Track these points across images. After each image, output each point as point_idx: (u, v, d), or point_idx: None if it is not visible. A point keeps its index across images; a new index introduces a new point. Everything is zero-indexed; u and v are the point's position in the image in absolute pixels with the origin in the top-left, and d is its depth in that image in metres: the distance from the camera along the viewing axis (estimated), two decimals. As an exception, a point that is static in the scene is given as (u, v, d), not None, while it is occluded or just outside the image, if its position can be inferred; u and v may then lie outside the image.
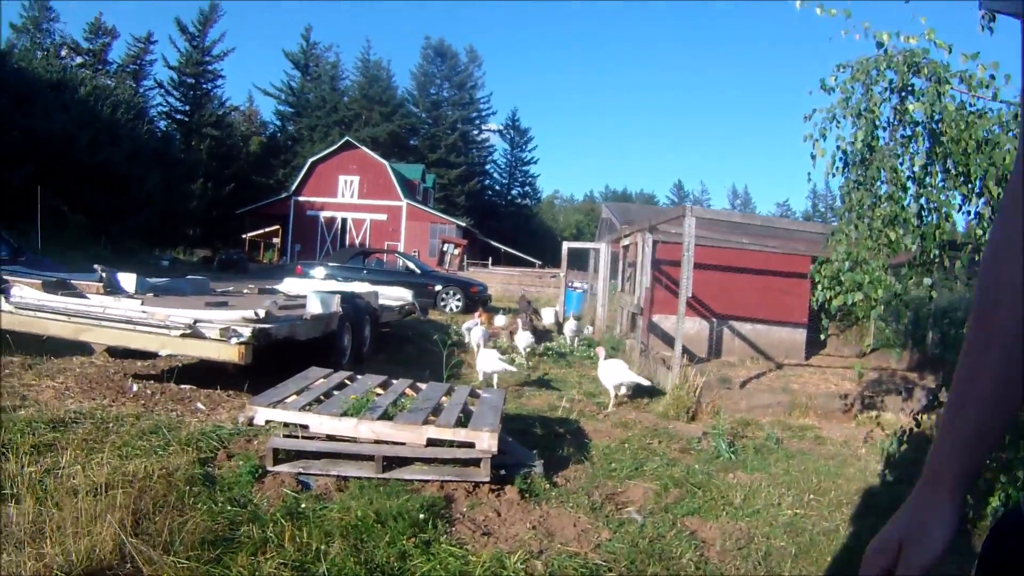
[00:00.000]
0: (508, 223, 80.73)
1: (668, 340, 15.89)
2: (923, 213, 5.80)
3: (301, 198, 58.39)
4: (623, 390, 10.77)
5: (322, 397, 7.00)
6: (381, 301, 14.16)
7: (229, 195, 57.01)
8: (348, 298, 11.59)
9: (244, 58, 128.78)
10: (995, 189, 5.31)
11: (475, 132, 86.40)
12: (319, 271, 22.21)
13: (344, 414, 6.29)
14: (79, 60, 53.72)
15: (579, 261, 27.64)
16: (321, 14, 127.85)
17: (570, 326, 17.62)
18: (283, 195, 59.40)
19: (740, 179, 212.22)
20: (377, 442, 6.11)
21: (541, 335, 17.90)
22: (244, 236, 55.43)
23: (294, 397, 6.88)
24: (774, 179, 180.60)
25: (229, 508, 5.06)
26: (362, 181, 58.35)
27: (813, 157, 6.18)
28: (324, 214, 58.26)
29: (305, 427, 6.25)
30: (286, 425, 6.34)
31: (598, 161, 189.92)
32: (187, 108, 62.98)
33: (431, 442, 6.11)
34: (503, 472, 6.22)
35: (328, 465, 5.97)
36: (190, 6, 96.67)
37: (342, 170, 58.70)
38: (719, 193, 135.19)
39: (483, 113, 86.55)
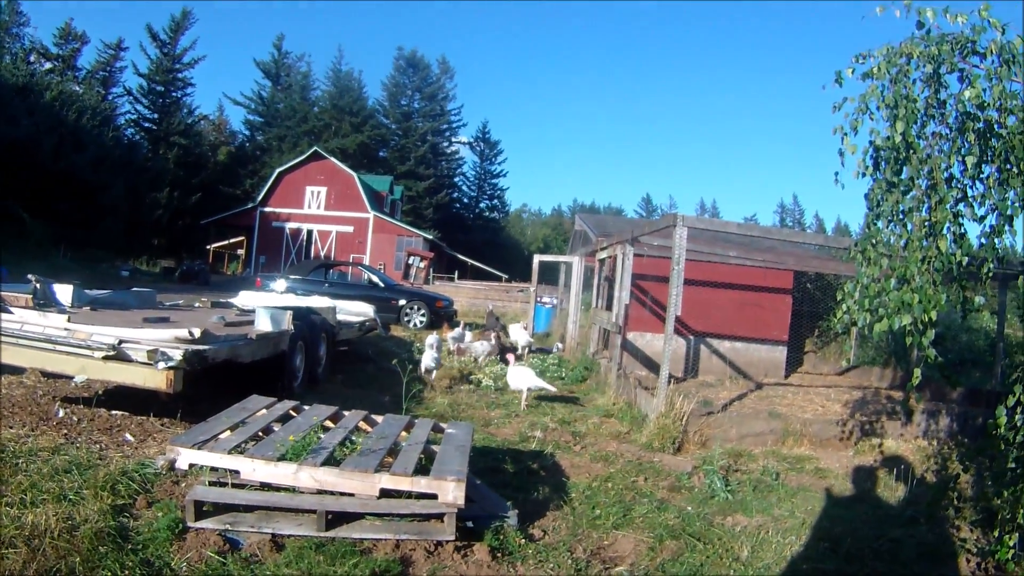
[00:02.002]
0: (476, 236, 79.88)
1: (644, 359, 15.11)
2: (972, 220, 4.98)
3: (267, 209, 57.09)
4: (528, 393, 11.27)
5: (260, 433, 6.06)
6: (340, 317, 13.28)
7: (195, 205, 55.96)
8: (302, 314, 10.63)
9: (215, 66, 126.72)
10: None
11: (445, 144, 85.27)
12: (279, 284, 21.22)
13: (282, 458, 5.34)
14: (48, 65, 52.47)
15: (549, 275, 26.91)
16: (294, 22, 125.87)
17: (522, 339, 17.16)
18: (249, 205, 57.98)
19: (708, 193, 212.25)
20: (320, 492, 5.18)
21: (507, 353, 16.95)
22: (209, 247, 54.23)
23: (227, 433, 5.94)
24: (741, 193, 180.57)
25: (139, 574, 4.22)
26: (329, 192, 57.21)
27: (841, 154, 5.34)
28: (290, 225, 57.02)
29: (236, 472, 5.30)
30: (214, 469, 5.39)
31: (567, 175, 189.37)
32: (156, 116, 61.60)
33: (385, 493, 5.17)
34: (471, 525, 5.32)
35: (261, 520, 5.02)
36: (162, 13, 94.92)
37: (309, 181, 57.51)
38: (687, 207, 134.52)
39: (453, 125, 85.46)
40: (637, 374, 13.40)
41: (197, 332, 7.41)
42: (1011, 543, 4.74)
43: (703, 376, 15.65)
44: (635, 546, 5.72)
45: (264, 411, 6.78)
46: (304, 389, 10.23)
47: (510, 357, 12.57)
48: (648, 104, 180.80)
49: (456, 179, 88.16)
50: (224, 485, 5.28)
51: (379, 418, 7.03)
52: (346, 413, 7.06)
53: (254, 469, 5.25)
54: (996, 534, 4.98)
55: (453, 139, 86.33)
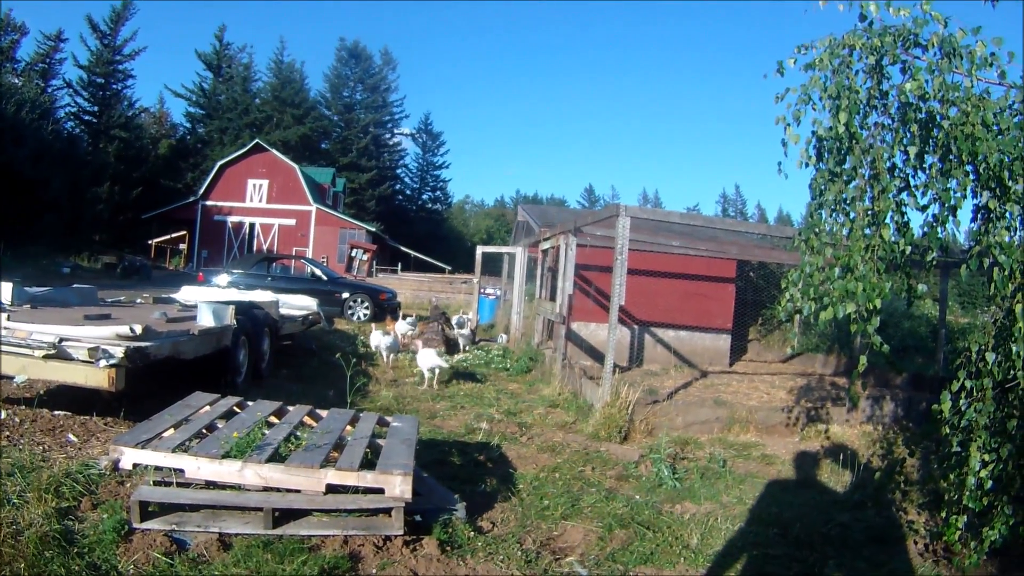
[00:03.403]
0: (419, 228, 79.48)
1: (588, 349, 15.12)
2: (915, 209, 5.01)
3: (209, 202, 56.17)
4: (436, 372, 12.07)
5: (204, 431, 5.89)
6: (284, 311, 13.06)
7: (137, 199, 54.27)
8: (245, 309, 10.44)
9: (156, 58, 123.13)
10: (1009, 182, 4.54)
11: (387, 136, 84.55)
12: (222, 278, 20.92)
13: (226, 455, 5.20)
14: (-15, 58, 50.97)
15: (492, 266, 26.81)
16: (236, 13, 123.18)
17: (463, 332, 17.12)
18: (190, 199, 56.91)
19: (651, 183, 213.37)
20: (267, 489, 5.05)
21: (452, 345, 17.05)
22: (151, 242, 53.02)
23: (171, 431, 5.77)
24: (684, 184, 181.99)
25: None
26: (271, 185, 56.41)
27: (784, 144, 5.34)
28: (232, 219, 56.19)
29: (181, 471, 5.17)
30: (159, 468, 5.25)
31: (509, 166, 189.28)
32: (95, 109, 59.43)
33: (332, 488, 5.06)
34: (419, 519, 5.22)
35: (208, 519, 4.88)
36: (103, 4, 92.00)
37: (251, 174, 56.61)
38: (630, 197, 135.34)
39: (396, 117, 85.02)
40: (582, 364, 13.39)
41: (138, 329, 7.20)
42: (959, 525, 4.79)
43: (648, 365, 15.71)
44: (584, 536, 5.69)
45: (208, 408, 6.60)
46: (248, 384, 10.07)
47: (418, 343, 13.64)
48: (590, 95, 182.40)
49: (399, 171, 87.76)
50: (169, 485, 5.11)
51: (324, 413, 6.88)
52: (290, 408, 6.90)
53: (199, 467, 5.11)
54: (943, 516, 5.03)
55: (395, 131, 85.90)
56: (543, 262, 16.64)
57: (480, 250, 23.42)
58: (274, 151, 57.53)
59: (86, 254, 43.46)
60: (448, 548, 5.01)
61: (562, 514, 6.08)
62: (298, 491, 5.04)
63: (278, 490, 5.06)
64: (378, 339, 14.20)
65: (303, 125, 72.68)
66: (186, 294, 13.04)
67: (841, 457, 8.24)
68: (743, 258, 17.21)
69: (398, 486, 4.97)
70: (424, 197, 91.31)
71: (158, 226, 54.75)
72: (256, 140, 58.76)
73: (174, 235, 54.16)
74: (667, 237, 15.16)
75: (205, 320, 9.21)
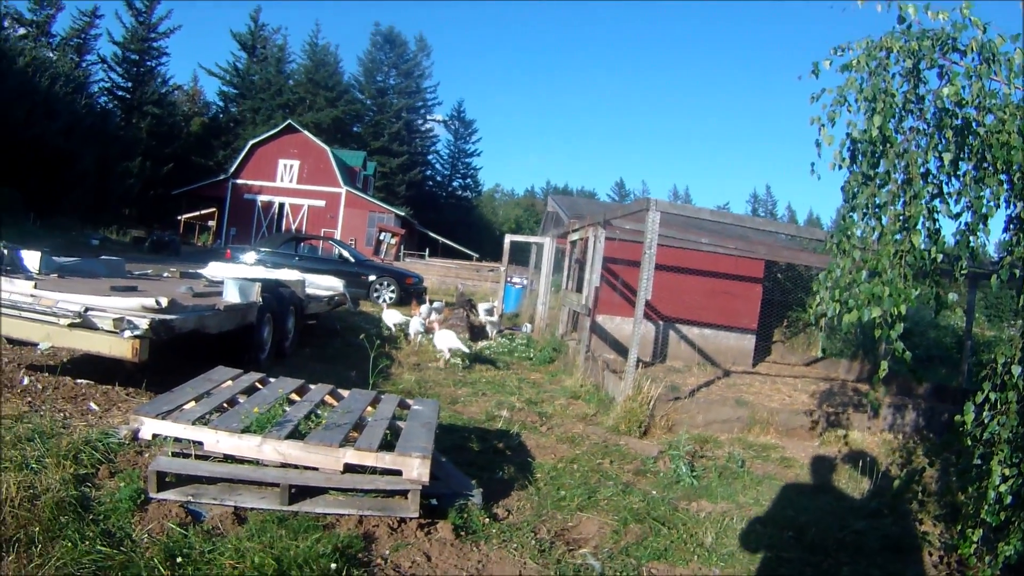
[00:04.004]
0: (448, 215, 79.48)
1: (612, 342, 15.12)
2: (947, 216, 4.96)
3: (239, 181, 56.49)
4: (452, 353, 12.54)
5: (225, 405, 5.93)
6: (309, 290, 13.13)
7: (167, 175, 54.69)
8: (270, 287, 10.51)
9: (190, 36, 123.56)
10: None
11: (420, 122, 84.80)
12: (249, 256, 21.04)
13: (246, 430, 5.23)
14: (21, 31, 51.05)
15: (520, 256, 26.78)
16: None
17: (491, 320, 17.34)
18: (221, 177, 57.24)
19: (681, 180, 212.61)
20: (284, 466, 5.09)
21: (477, 332, 17.13)
22: (180, 218, 53.42)
23: (192, 404, 5.81)
24: (714, 182, 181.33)
25: (100, 546, 4.12)
26: (302, 166, 56.68)
27: (819, 144, 5.28)
28: (261, 198, 56.48)
29: (200, 444, 5.22)
30: (178, 440, 5.29)
31: (540, 157, 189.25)
32: (129, 85, 60.11)
33: (349, 468, 5.08)
34: (435, 503, 5.25)
35: (224, 492, 4.93)
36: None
37: (282, 154, 56.87)
38: (660, 193, 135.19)
39: (428, 103, 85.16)
40: (605, 357, 13.38)
41: (164, 301, 7.28)
42: (975, 538, 4.75)
43: (671, 361, 15.67)
44: (599, 528, 5.69)
45: (230, 383, 6.64)
46: (271, 362, 10.13)
47: (435, 324, 14.06)
48: (624, 90, 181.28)
49: (430, 157, 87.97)
50: (187, 456, 5.16)
51: (345, 393, 6.91)
52: (312, 387, 6.94)
53: (218, 441, 5.14)
54: (959, 529, 5.00)
55: (428, 117, 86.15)
56: (571, 253, 16.65)
57: (508, 239, 23.37)
58: (306, 132, 57.71)
59: (115, 227, 43.79)
60: (463, 533, 5.03)
61: (578, 505, 6.08)
62: (316, 469, 5.07)
63: (296, 467, 5.09)
64: (392, 317, 14.82)
65: (336, 108, 72.82)
66: (213, 270, 13.12)
67: (860, 464, 8.19)
68: (771, 258, 17.10)
69: (416, 469, 4.99)
70: (454, 184, 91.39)
71: (188, 202, 55.18)
72: (288, 121, 59.14)
73: (203, 212, 54.64)
74: (696, 234, 15.09)
75: (231, 296, 9.27)
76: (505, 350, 15.08)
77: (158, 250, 36.42)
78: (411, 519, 4.97)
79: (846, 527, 6.35)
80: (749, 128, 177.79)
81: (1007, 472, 4.54)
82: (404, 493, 5.05)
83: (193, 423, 5.28)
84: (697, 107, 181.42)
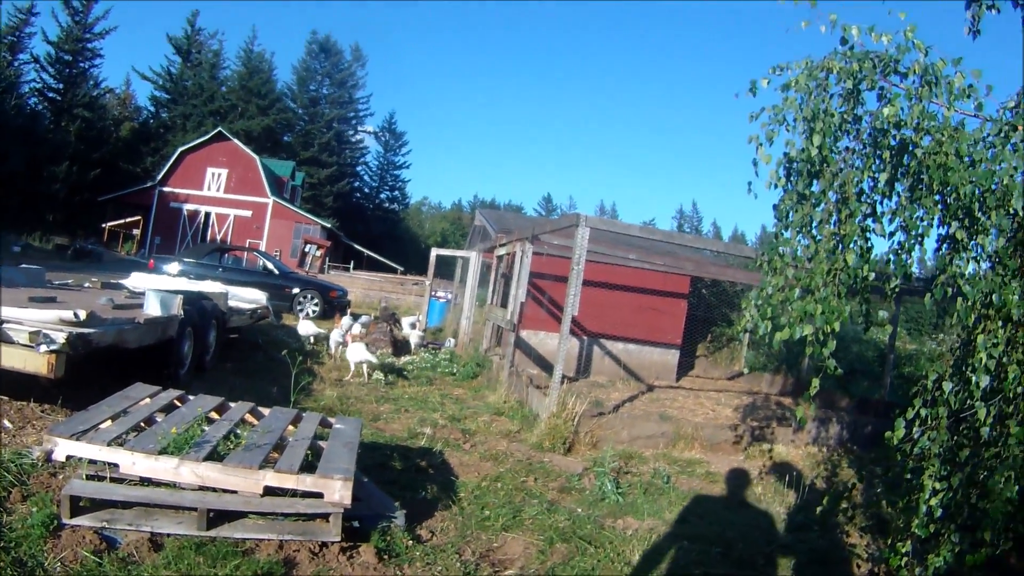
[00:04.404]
0: (375, 227, 79.12)
1: (536, 358, 15.05)
2: (880, 236, 4.95)
3: (166, 188, 55.50)
4: (364, 367, 12.65)
5: (143, 424, 5.66)
6: (232, 303, 12.82)
7: (94, 181, 53.17)
8: (193, 299, 10.17)
9: (125, 39, 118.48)
10: (979, 214, 4.49)
11: (350, 132, 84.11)
12: (173, 266, 20.54)
13: (163, 451, 4.97)
14: (-52, 29, 49.62)
15: (445, 269, 26.61)
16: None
17: (415, 335, 17.22)
18: (148, 184, 56.16)
19: (608, 195, 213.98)
20: (203, 489, 4.84)
21: (401, 346, 16.96)
22: (104, 225, 52.17)
23: (108, 423, 5.53)
24: (640, 197, 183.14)
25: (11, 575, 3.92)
26: (230, 175, 55.90)
27: (755, 164, 5.23)
28: (188, 206, 55.51)
29: (116, 466, 4.95)
30: (93, 462, 5.03)
31: (468, 170, 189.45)
32: (60, 87, 58.16)
33: (270, 491, 4.87)
34: (357, 525, 5.05)
35: (140, 517, 4.68)
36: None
37: (212, 162, 56.04)
38: (587, 208, 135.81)
39: (360, 114, 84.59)
40: (529, 372, 13.29)
41: (83, 314, 6.93)
42: (904, 550, 4.73)
43: (595, 376, 15.66)
44: (525, 548, 5.55)
45: (148, 400, 6.34)
46: (191, 377, 9.82)
47: (348, 338, 14.02)
48: (551, 105, 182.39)
49: (359, 168, 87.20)
50: (103, 479, 4.91)
51: (266, 411, 6.66)
52: (232, 405, 6.65)
53: (134, 463, 4.89)
54: (889, 542, 4.97)
55: (359, 128, 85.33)
56: (497, 268, 16.54)
57: (434, 252, 23.17)
58: (236, 141, 56.95)
59: (38, 234, 42.57)
60: (385, 557, 4.86)
61: (503, 525, 5.93)
62: (235, 492, 4.84)
63: (214, 490, 4.86)
64: (307, 328, 14.87)
65: (267, 116, 71.82)
66: (135, 281, 12.72)
67: (786, 477, 8.22)
68: (698, 274, 17.19)
69: (338, 491, 4.79)
70: (382, 196, 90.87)
71: (114, 209, 54.00)
72: (219, 128, 58.18)
73: (128, 220, 53.48)
74: (624, 250, 15.06)
75: (152, 309, 8.94)
76: (428, 365, 14.86)
77: (80, 258, 35.78)
78: (333, 543, 4.76)
79: (773, 541, 6.33)
80: (676, 144, 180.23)
81: (937, 486, 4.54)
82: (326, 516, 4.85)
83: (108, 444, 5.01)
84: (625, 121, 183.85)
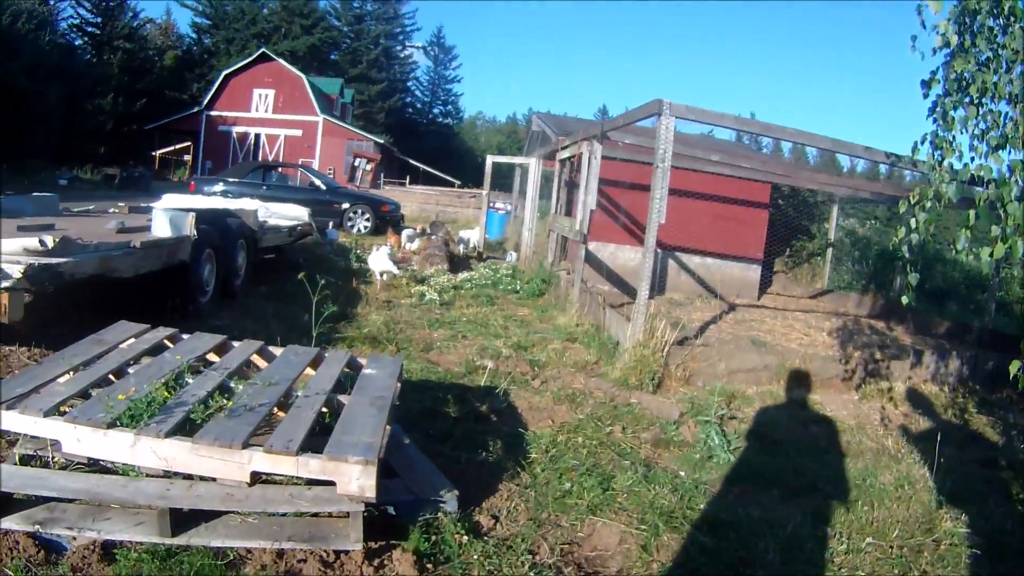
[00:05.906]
0: (428, 142, 77.55)
1: (607, 273, 13.61)
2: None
3: (213, 113, 54.60)
4: (386, 276, 12.27)
5: (112, 377, 4.23)
6: (270, 221, 11.73)
7: (141, 110, 52.79)
8: (213, 217, 8.94)
9: None
10: None
11: (398, 48, 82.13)
12: (217, 187, 19.93)
13: (114, 422, 3.50)
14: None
15: (503, 181, 25.20)
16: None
17: (472, 240, 17.04)
18: (194, 109, 55.29)
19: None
20: (173, 474, 3.44)
21: (459, 262, 15.93)
22: (154, 153, 51.86)
23: (67, 377, 4.12)
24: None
25: None
26: (277, 95, 54.74)
27: (920, 11, 3.70)
28: (237, 129, 54.56)
29: (57, 443, 3.57)
30: (35, 438, 3.66)
31: (522, 83, 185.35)
32: (99, 20, 57.42)
33: (259, 478, 3.42)
34: (392, 512, 3.61)
35: (86, 517, 3.32)
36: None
37: (257, 83, 54.91)
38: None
39: (407, 29, 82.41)
40: (600, 289, 11.83)
41: (50, 241, 5.54)
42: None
43: (670, 293, 14.17)
44: (621, 541, 4.05)
45: (132, 341, 4.87)
46: (216, 304, 8.72)
47: (384, 248, 13.06)
48: (609, 11, 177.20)
49: (409, 84, 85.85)
50: (36, 464, 3.59)
51: (277, 350, 5.08)
52: (235, 344, 5.13)
53: (78, 439, 3.45)
54: None
55: (407, 43, 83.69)
56: (560, 174, 14.95)
57: (490, 160, 21.55)
58: (280, 60, 55.76)
59: (89, 166, 42.46)
60: (429, 566, 3.41)
61: (589, 504, 4.42)
62: (213, 480, 3.43)
63: (189, 476, 3.44)
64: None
65: (311, 35, 70.60)
66: (167, 203, 11.50)
67: (924, 427, 6.62)
68: (791, 183, 15.53)
69: (355, 480, 3.26)
70: (435, 111, 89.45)
71: (162, 137, 53.52)
72: (262, 49, 56.97)
73: (178, 146, 53.11)
74: (704, 151, 13.40)
75: (160, 230, 7.64)
76: (489, 282, 13.45)
77: (127, 186, 35.58)
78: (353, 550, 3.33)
79: (926, 520, 4.78)
80: (740, 44, 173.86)
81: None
82: (344, 512, 3.41)
83: (46, 414, 3.54)
84: (680, 24, 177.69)
